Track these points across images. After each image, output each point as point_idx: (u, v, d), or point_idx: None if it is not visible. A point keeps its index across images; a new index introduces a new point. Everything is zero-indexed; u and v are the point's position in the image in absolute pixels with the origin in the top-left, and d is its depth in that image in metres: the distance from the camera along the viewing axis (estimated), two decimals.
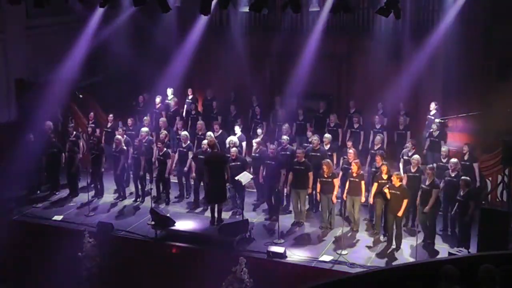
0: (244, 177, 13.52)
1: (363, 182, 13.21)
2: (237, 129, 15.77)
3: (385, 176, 12.93)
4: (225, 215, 13.95)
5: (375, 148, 14.53)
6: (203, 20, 17.90)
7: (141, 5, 14.37)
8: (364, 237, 13.28)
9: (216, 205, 13.56)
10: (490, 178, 14.23)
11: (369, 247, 12.90)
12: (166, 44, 18.88)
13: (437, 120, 15.05)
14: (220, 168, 13.46)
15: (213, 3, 14.12)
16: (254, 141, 14.79)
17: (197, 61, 18.89)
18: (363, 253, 12.64)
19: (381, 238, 13.11)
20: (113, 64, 18.73)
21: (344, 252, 12.49)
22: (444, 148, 13.95)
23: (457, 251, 11.99)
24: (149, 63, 18.60)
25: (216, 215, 13.50)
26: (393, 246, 12.69)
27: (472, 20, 16.90)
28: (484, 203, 13.72)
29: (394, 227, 12.66)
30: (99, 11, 16.97)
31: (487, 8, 17.38)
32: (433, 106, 16.36)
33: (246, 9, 15.71)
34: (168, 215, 13.61)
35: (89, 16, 17.62)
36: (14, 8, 15.06)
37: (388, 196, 12.55)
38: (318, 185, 13.45)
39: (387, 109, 16.96)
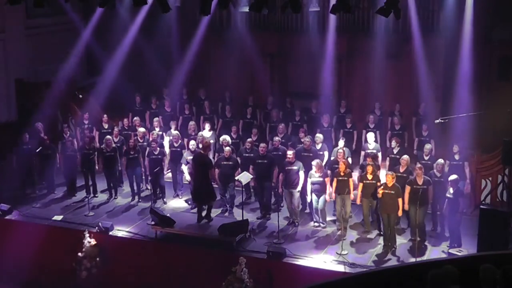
0: (244, 177, 13.56)
1: (351, 180, 13.22)
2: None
3: (370, 176, 12.92)
4: (215, 212, 14.10)
5: (369, 147, 14.55)
6: (203, 20, 17.90)
7: (141, 5, 14.34)
8: (363, 237, 13.27)
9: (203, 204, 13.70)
10: (490, 178, 14.22)
11: (368, 247, 12.88)
12: (165, 44, 18.89)
13: (437, 120, 15.03)
14: (206, 169, 13.61)
15: (213, 3, 14.10)
16: (247, 140, 14.77)
17: (195, 61, 18.87)
18: (363, 253, 12.64)
19: (371, 236, 13.12)
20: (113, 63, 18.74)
21: (344, 252, 12.50)
22: (427, 146, 13.96)
23: (457, 251, 12.00)
24: (147, 63, 18.62)
25: (203, 213, 13.60)
26: (391, 246, 12.68)
27: (473, 20, 16.88)
28: (484, 202, 13.73)
29: (388, 226, 12.65)
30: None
31: (487, 8, 17.38)
32: (422, 106, 16.67)
33: (246, 9, 15.70)
34: (168, 215, 13.61)
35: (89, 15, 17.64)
36: (14, 8, 15.05)
37: (380, 195, 12.52)
38: (309, 186, 13.45)
39: (387, 109, 16.97)
